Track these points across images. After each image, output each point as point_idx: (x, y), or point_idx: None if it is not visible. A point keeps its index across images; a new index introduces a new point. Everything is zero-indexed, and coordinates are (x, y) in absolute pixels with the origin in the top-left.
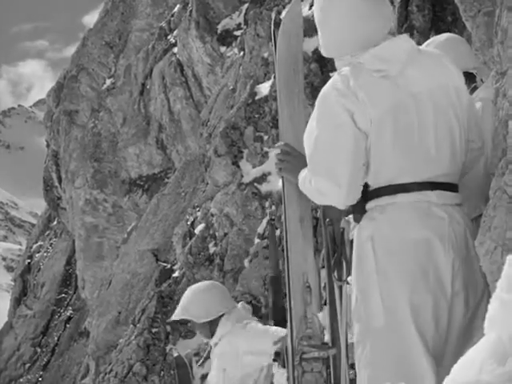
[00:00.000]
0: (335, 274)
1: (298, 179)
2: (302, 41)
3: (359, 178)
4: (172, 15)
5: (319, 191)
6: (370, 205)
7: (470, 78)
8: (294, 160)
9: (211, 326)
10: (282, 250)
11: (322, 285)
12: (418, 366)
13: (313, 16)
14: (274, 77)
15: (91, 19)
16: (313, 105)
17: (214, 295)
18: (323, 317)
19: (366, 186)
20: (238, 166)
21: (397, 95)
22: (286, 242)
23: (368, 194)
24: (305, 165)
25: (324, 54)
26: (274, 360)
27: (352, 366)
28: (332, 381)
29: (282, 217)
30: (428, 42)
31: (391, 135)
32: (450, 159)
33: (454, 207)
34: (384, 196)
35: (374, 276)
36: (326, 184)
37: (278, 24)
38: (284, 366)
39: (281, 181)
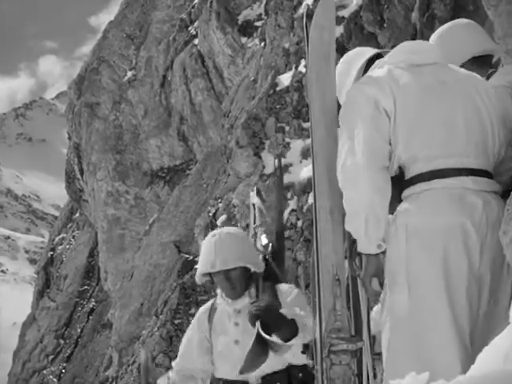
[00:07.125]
0: (356, 261)
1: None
2: (334, 33)
3: (379, 159)
4: (192, 6)
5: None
6: (405, 193)
7: (487, 61)
8: None
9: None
10: (307, 241)
11: (346, 275)
12: (445, 353)
13: None
14: (296, 66)
15: (98, 20)
16: None
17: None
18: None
19: (401, 175)
20: (260, 157)
21: (424, 79)
22: (316, 233)
23: (403, 183)
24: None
25: None
26: (303, 352)
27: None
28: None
29: (312, 208)
30: (437, 31)
31: (419, 111)
32: (481, 144)
33: (491, 194)
34: (419, 183)
35: (403, 265)
36: (347, 169)
37: (310, 16)
38: (312, 359)
39: (312, 173)
